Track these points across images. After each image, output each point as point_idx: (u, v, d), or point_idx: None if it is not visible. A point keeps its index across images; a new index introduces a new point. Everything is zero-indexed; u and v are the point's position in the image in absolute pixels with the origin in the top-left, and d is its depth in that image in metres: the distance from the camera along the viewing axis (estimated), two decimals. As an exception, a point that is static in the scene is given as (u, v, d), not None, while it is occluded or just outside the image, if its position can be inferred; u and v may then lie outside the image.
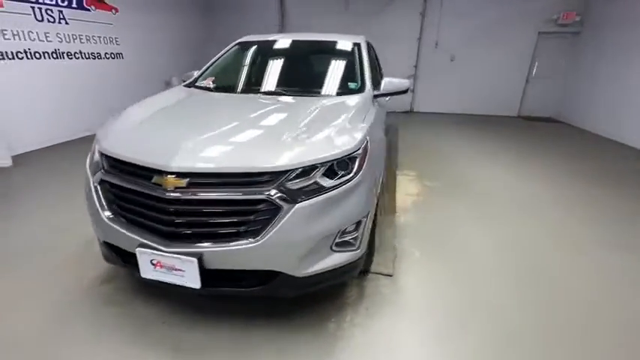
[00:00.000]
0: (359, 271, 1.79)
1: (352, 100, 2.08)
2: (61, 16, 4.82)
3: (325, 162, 1.46)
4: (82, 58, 5.24)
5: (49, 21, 4.65)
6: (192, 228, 1.39)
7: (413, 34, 7.76)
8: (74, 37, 5.05)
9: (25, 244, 2.40)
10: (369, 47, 2.99)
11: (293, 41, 2.83)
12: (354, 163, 1.55)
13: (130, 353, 1.55)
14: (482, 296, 1.98)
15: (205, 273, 1.42)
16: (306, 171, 1.43)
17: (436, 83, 8.08)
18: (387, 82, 2.44)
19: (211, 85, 2.44)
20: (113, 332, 1.67)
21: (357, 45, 2.70)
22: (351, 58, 2.57)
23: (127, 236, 1.48)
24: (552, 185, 3.76)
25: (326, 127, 1.66)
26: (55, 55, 4.78)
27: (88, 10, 5.24)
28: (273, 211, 1.37)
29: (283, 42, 2.84)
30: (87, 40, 5.26)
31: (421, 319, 1.82)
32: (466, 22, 7.44)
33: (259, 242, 1.37)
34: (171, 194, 1.36)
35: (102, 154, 1.60)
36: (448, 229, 2.75)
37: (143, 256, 1.43)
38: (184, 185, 1.36)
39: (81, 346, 1.60)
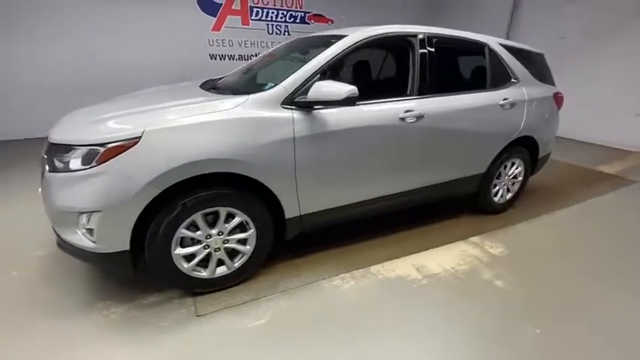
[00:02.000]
0: (121, 269, 1.72)
1: (223, 102, 1.75)
2: (286, 30, 6.55)
3: (73, 145, 1.55)
4: (296, 60, 6.88)
5: (276, 33, 6.48)
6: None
7: None
8: (292, 44, 6.71)
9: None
10: (371, 44, 2.10)
11: (304, 38, 2.52)
12: (95, 155, 1.50)
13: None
14: None
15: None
16: (64, 149, 1.58)
17: None
18: (316, 87, 1.77)
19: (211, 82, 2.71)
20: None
21: (334, 40, 2.04)
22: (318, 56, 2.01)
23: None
24: None
25: (121, 116, 1.65)
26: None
27: (308, 23, 6.73)
28: None
29: (302, 40, 2.60)
30: (301, 46, 6.82)
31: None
32: None
33: None
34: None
35: None
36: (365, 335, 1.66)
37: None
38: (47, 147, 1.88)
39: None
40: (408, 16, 7.61)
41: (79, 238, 1.61)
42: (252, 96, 1.79)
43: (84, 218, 1.57)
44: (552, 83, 3.12)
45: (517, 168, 2.97)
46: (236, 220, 1.82)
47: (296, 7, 6.48)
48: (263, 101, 1.79)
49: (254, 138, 1.72)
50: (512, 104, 2.65)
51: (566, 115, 5.82)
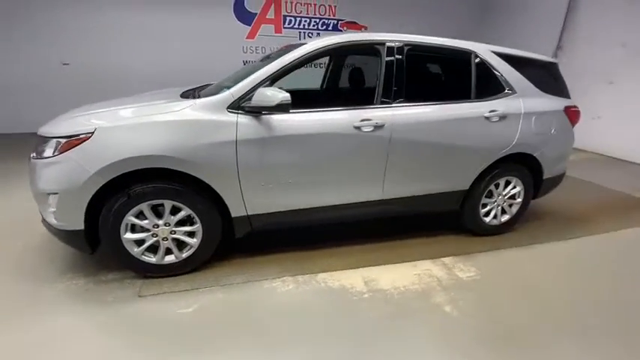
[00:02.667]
0: (79, 247, 1.95)
1: (173, 105, 1.90)
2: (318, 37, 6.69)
3: (45, 137, 1.84)
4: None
5: (308, 41, 6.66)
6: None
7: None
8: (323, 51, 6.84)
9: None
10: (333, 53, 2.19)
11: (288, 46, 2.60)
12: (59, 145, 1.76)
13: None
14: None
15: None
16: (43, 140, 1.88)
17: None
18: (257, 93, 1.86)
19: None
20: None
21: (294, 48, 2.09)
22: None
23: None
24: None
25: (89, 114, 1.90)
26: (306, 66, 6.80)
27: (341, 30, 6.80)
28: None
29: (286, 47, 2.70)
30: (333, 53, 6.92)
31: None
32: None
33: None
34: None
35: None
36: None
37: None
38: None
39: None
40: (449, 24, 7.24)
41: (48, 215, 1.90)
42: (199, 100, 1.93)
43: (50, 199, 1.86)
44: (566, 95, 2.77)
45: (514, 188, 2.69)
46: (182, 214, 1.98)
47: (329, 15, 6.61)
48: (210, 105, 1.92)
49: (196, 138, 1.86)
50: (503, 117, 2.42)
51: (614, 130, 5.06)
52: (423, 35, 2.34)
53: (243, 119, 1.93)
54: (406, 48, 2.25)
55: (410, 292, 2.07)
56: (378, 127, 2.13)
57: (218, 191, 1.98)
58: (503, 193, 2.68)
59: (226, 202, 2.02)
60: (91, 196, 1.80)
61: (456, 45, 2.39)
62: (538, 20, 6.19)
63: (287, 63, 2.04)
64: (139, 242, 1.99)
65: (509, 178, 2.63)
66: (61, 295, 1.94)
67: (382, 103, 2.19)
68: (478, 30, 7.39)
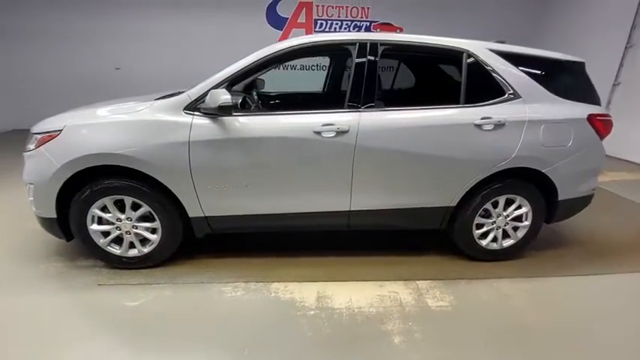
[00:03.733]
0: (54, 234, 2.11)
1: (134, 106, 1.98)
2: (350, 40, 6.57)
3: (32, 133, 2.04)
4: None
5: (339, 44, 6.58)
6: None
7: None
8: (355, 54, 6.70)
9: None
10: (298, 53, 2.11)
11: None
12: (35, 141, 1.95)
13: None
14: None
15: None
16: (31, 136, 2.10)
17: None
18: (208, 95, 1.85)
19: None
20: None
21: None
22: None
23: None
24: None
25: (68, 112, 2.08)
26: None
27: (373, 32, 6.58)
28: None
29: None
30: (365, 56, 6.73)
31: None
32: None
33: None
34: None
35: None
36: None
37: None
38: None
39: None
40: (499, 22, 6.58)
41: (30, 203, 2.12)
42: (157, 101, 1.99)
43: (29, 188, 2.05)
44: (593, 101, 2.29)
45: (520, 208, 2.30)
46: (142, 210, 2.06)
47: (361, 17, 6.45)
48: (167, 106, 1.97)
49: (150, 138, 1.91)
50: (499, 125, 2.09)
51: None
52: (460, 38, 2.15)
53: (199, 121, 1.94)
54: (381, 48, 2.06)
55: (362, 314, 1.88)
56: (341, 132, 1.98)
57: (173, 191, 2.01)
58: (504, 214, 2.30)
59: (182, 202, 2.05)
60: (59, 187, 1.95)
61: (443, 43, 2.12)
62: (603, 18, 5.28)
63: (246, 65, 2.02)
64: (107, 234, 2.12)
65: (511, 196, 2.26)
66: (39, 276, 2.14)
67: (350, 107, 2.04)
68: (533, 28, 6.59)
